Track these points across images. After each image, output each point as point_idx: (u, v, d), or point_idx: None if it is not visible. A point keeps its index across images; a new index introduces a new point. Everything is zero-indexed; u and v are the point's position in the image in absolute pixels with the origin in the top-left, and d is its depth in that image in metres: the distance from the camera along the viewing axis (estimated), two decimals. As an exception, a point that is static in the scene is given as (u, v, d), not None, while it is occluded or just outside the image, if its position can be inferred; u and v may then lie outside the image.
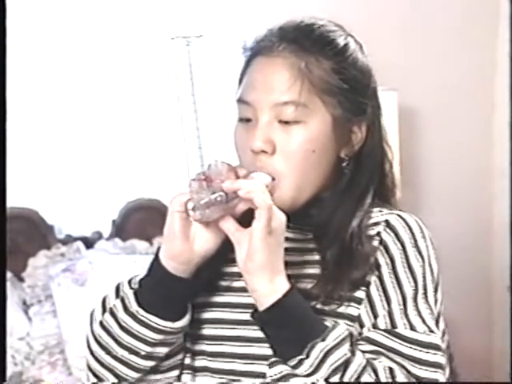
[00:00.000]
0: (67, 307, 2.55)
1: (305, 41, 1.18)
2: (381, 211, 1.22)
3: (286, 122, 1.16)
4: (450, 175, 3.17)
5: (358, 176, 1.22)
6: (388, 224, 1.19)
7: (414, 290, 1.15)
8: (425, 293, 1.15)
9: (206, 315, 1.25)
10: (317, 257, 1.21)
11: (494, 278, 3.25)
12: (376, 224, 1.20)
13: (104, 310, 1.23)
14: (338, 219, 1.20)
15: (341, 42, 1.21)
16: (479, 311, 3.22)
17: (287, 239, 1.16)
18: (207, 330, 1.25)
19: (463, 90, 3.14)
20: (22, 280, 2.62)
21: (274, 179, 1.15)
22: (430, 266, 1.18)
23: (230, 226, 1.12)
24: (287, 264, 1.13)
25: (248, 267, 1.09)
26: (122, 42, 2.78)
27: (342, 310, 1.16)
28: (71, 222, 2.82)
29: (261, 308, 1.10)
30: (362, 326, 1.16)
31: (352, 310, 1.16)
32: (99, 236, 2.83)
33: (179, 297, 1.17)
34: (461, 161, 3.18)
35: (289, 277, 1.12)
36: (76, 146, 2.78)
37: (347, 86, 1.18)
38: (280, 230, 1.10)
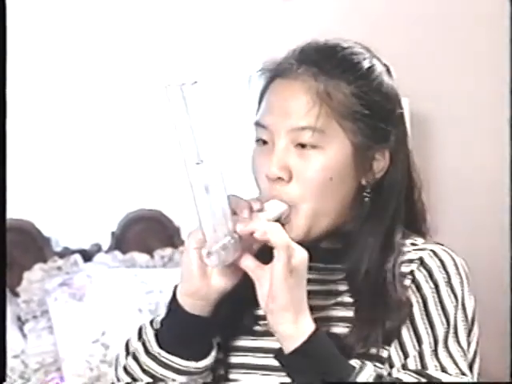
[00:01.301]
0: (64, 323, 2.53)
1: (326, 63, 1.16)
2: (414, 244, 1.19)
3: (303, 147, 1.14)
4: (463, 183, 3.16)
5: (380, 206, 1.18)
6: (422, 262, 1.16)
7: (446, 331, 1.12)
8: (455, 333, 1.12)
9: (233, 360, 1.22)
10: (347, 299, 1.18)
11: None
12: (410, 261, 1.17)
13: (128, 354, 1.22)
14: (369, 260, 1.16)
15: (365, 65, 1.17)
16: (495, 322, 3.16)
17: (314, 281, 1.14)
18: (233, 375, 1.22)
19: (477, 96, 3.14)
20: (16, 295, 2.60)
21: (289, 206, 1.14)
22: (463, 304, 1.15)
23: (249, 264, 1.10)
24: (313, 308, 1.11)
25: (270, 308, 1.07)
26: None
27: (371, 351, 1.13)
28: (69, 233, 2.80)
29: (285, 351, 1.09)
30: (391, 366, 1.13)
31: (382, 351, 1.14)
32: (98, 248, 2.81)
33: (199, 335, 1.15)
34: (475, 168, 3.17)
35: (315, 320, 1.10)
36: (73, 155, 2.78)
37: (369, 112, 1.15)
38: (302, 267, 1.07)
